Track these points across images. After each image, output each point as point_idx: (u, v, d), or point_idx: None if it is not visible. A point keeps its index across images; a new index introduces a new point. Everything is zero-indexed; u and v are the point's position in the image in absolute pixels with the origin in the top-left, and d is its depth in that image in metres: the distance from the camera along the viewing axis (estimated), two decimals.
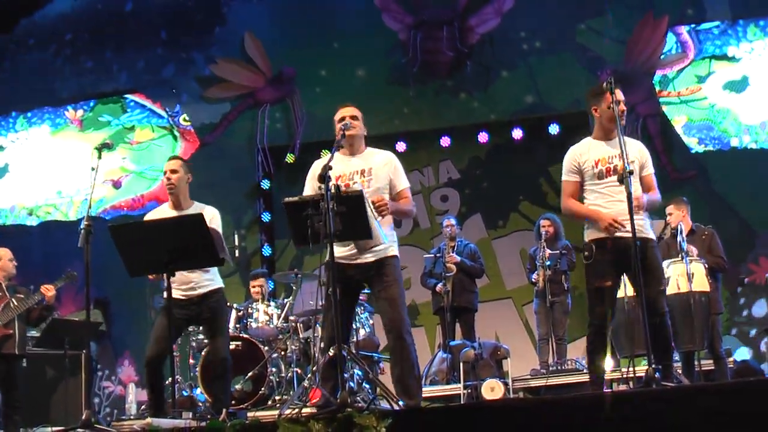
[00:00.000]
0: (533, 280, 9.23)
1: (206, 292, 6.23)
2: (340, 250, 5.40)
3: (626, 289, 6.48)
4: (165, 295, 5.90)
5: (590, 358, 5.67)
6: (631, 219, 5.19)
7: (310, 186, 5.56)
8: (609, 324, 5.63)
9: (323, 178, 5.00)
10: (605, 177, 5.53)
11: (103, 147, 6.11)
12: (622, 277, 5.70)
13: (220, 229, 6.11)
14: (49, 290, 7.68)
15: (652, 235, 5.58)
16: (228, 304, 8.54)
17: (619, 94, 5.55)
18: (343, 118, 5.54)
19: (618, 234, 5.43)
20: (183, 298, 6.21)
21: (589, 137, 5.74)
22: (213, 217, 6.16)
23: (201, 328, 8.39)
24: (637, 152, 5.67)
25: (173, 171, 6.27)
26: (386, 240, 5.42)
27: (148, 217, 6.41)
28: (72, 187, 12.68)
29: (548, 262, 8.99)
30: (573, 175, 5.64)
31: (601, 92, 5.60)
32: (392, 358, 5.50)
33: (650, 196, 5.62)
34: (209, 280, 6.25)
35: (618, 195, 5.43)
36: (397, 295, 5.45)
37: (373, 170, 5.52)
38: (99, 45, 12.89)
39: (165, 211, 6.37)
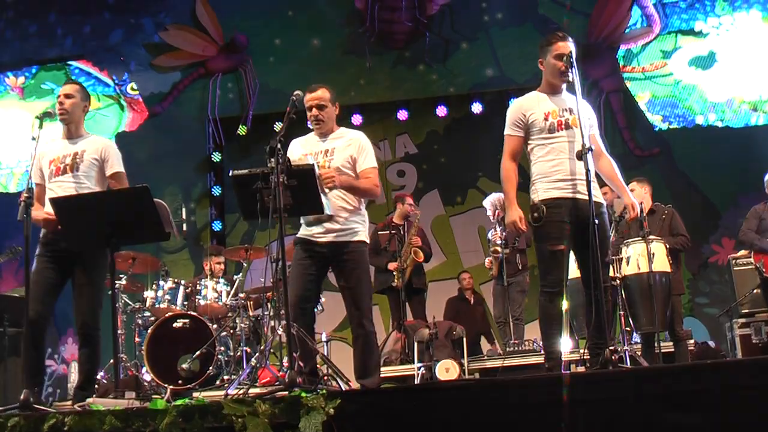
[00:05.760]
0: (486, 266, 9.03)
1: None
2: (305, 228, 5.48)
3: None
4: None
5: (545, 336, 5.15)
6: (589, 193, 4.86)
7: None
8: (564, 294, 5.09)
9: (273, 150, 4.80)
10: (557, 131, 5.19)
11: (45, 116, 5.69)
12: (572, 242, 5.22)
13: (120, 167, 5.71)
14: None
15: (602, 200, 5.27)
16: (176, 280, 8.34)
17: (566, 47, 5.21)
18: (310, 108, 5.49)
19: (571, 195, 5.09)
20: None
21: (536, 91, 5.39)
22: (106, 148, 5.71)
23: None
24: (588, 112, 5.38)
25: (67, 95, 5.73)
26: (328, 210, 5.30)
27: (41, 147, 5.68)
28: (12, 158, 12.23)
29: (501, 242, 8.75)
30: (518, 129, 5.27)
31: (547, 44, 5.30)
32: (353, 344, 5.55)
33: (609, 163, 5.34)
34: None
35: (571, 153, 5.11)
36: (357, 284, 5.46)
37: (336, 150, 5.52)
38: (43, 8, 12.39)
39: (58, 142, 5.81)
